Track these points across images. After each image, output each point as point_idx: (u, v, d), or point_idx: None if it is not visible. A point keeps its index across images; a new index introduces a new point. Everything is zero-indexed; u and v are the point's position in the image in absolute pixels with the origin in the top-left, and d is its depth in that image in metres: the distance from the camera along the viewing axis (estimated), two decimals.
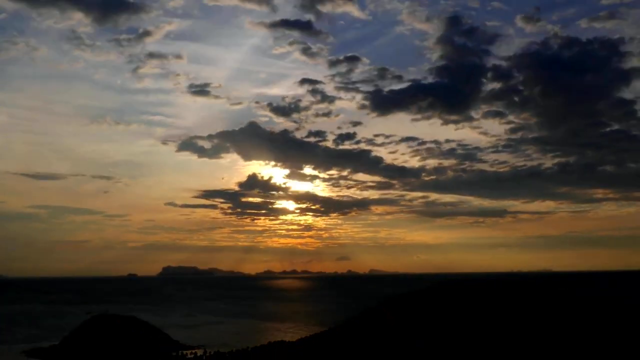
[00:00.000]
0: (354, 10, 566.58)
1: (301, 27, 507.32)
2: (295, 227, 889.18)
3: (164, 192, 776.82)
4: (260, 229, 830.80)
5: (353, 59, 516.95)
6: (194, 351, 66.73)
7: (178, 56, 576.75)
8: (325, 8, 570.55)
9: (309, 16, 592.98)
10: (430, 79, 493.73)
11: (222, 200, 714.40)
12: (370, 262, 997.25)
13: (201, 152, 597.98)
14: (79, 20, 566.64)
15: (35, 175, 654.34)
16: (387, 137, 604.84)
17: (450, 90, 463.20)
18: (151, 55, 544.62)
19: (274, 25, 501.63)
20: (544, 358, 42.17)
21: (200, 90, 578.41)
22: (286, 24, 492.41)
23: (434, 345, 46.37)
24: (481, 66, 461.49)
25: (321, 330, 62.92)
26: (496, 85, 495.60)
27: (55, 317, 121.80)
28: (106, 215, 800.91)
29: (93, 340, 68.73)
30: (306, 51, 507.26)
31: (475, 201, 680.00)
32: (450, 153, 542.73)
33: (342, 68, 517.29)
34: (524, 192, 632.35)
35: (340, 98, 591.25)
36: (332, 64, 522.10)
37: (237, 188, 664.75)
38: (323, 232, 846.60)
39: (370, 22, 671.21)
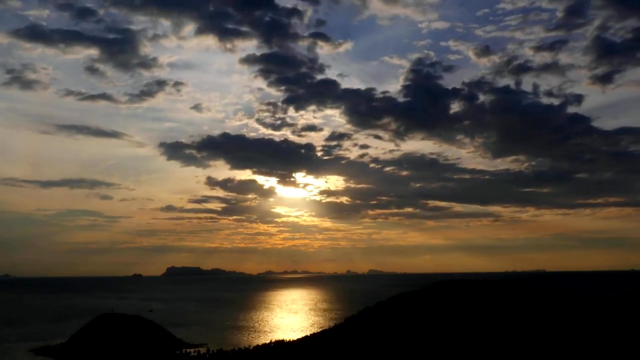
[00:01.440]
0: (329, 47, 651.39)
1: (284, 59, 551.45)
2: (292, 229, 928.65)
3: (165, 196, 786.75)
4: (256, 231, 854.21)
5: (334, 82, 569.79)
6: (197, 349, 67.76)
7: (178, 82, 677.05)
8: (305, 42, 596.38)
9: (290, 50, 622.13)
10: (402, 100, 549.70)
11: (220, 204, 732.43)
12: (367, 263, 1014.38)
13: (198, 160, 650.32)
14: (91, 54, 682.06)
15: (39, 181, 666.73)
16: (373, 148, 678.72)
17: (420, 110, 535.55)
18: (158, 83, 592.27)
19: (261, 58, 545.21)
20: (539, 354, 43.81)
21: (197, 107, 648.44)
22: (272, 57, 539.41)
23: (434, 345, 47.75)
24: (446, 91, 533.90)
25: (320, 325, 64.46)
26: (462, 106, 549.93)
27: (59, 316, 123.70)
28: (110, 217, 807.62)
29: (99, 339, 70.43)
30: (290, 77, 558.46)
31: (460, 206, 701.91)
32: (434, 163, 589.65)
33: (325, 89, 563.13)
34: (505, 199, 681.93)
35: (325, 114, 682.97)
36: (316, 85, 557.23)
37: (234, 193, 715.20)
38: (320, 234, 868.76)
39: (349, 53, 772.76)
